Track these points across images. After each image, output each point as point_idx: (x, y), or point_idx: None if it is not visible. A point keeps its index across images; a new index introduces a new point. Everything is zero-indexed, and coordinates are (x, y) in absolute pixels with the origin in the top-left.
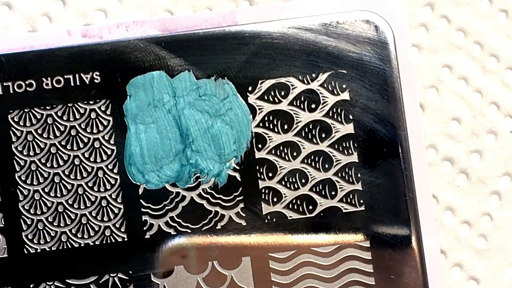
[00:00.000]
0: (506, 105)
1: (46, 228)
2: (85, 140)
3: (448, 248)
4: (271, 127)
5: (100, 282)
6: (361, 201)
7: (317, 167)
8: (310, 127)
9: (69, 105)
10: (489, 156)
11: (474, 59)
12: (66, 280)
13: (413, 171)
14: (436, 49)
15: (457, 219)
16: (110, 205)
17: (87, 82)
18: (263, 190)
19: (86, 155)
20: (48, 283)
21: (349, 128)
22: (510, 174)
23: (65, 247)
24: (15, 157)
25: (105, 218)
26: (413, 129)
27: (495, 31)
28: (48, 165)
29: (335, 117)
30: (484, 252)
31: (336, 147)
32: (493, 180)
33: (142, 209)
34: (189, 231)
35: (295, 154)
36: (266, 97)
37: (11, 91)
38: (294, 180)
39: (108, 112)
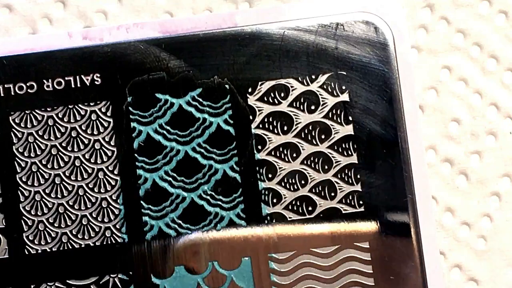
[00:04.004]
0: (506, 106)
1: (47, 229)
2: (86, 141)
3: (448, 249)
4: (271, 128)
5: (101, 282)
6: (361, 202)
7: (317, 168)
8: (310, 128)
9: (69, 106)
10: (488, 157)
11: (474, 60)
12: (67, 281)
13: (413, 172)
14: (435, 50)
15: (456, 220)
16: (110, 206)
17: (88, 84)
18: (263, 191)
19: (87, 156)
20: (48, 283)
21: (348, 130)
22: (509, 175)
23: (65, 247)
24: (16, 158)
25: (106, 219)
26: (413, 130)
27: (494, 32)
28: (49, 166)
29: (335, 118)
30: (483, 253)
31: (336, 148)
32: (492, 181)
33: (143, 210)
34: (189, 232)
35: (294, 155)
36: (265, 99)
37: (13, 93)
38: (293, 181)
39: (108, 114)
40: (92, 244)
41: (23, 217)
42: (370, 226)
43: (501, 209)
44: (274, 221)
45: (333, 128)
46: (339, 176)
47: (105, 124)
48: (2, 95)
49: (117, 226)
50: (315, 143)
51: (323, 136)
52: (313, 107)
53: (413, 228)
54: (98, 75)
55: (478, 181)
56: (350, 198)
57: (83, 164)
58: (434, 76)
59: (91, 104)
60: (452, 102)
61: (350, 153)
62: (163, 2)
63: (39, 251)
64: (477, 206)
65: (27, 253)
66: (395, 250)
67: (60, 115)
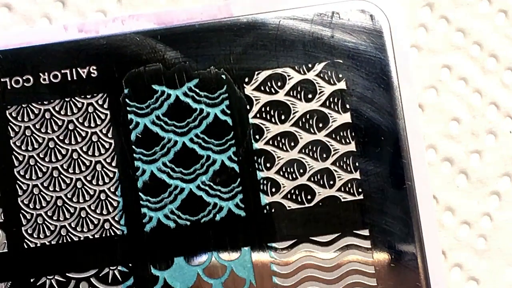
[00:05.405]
0: (506, 105)
1: (46, 222)
2: (83, 134)
3: (448, 248)
4: (268, 117)
5: (100, 275)
6: (359, 190)
7: (315, 157)
8: (307, 117)
9: (66, 99)
10: (488, 157)
11: (474, 59)
12: (66, 274)
13: (411, 159)
14: (435, 49)
15: (456, 219)
16: (108, 199)
17: (84, 77)
18: (261, 181)
19: (84, 149)
20: (48, 277)
21: (346, 118)
22: (509, 174)
23: (64, 241)
24: (14, 152)
25: (104, 212)
26: (411, 116)
27: (494, 31)
28: (47, 159)
29: (332, 106)
30: (484, 252)
31: (334, 136)
32: (492, 180)
33: (141, 202)
34: (188, 223)
35: (292, 144)
36: (262, 88)
37: (9, 87)
38: (292, 170)
39: (105, 106)
40: (91, 237)
41: (22, 211)
42: (369, 214)
43: (501, 209)
44: (273, 210)
45: (331, 116)
46: (337, 164)
47: (102, 117)
48: None
49: (116, 218)
50: (313, 131)
51: (320, 125)
52: (310, 96)
53: (413, 215)
54: (95, 68)
55: (478, 180)
56: (349, 186)
57: (80, 157)
58: (434, 75)
59: (88, 96)
60: (452, 101)
61: (348, 141)
62: (163, 2)
63: (38, 245)
64: (477, 206)
65: (26, 246)
66: (394, 237)
67: (57, 108)
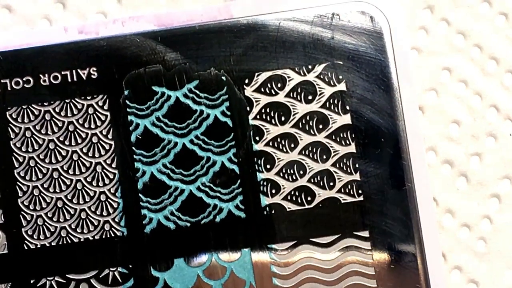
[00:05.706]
0: (506, 107)
1: (46, 223)
2: (83, 135)
3: (448, 251)
4: (268, 119)
5: (100, 276)
6: (359, 192)
7: (315, 158)
8: (307, 118)
9: (66, 101)
10: (488, 159)
11: (474, 61)
12: (67, 275)
13: (411, 160)
14: (435, 51)
15: (456, 222)
16: (109, 200)
17: (84, 78)
18: (261, 182)
19: (84, 150)
20: (48, 278)
21: (346, 119)
22: (509, 177)
23: (64, 242)
24: (14, 153)
25: (104, 213)
26: (411, 118)
27: (494, 33)
28: (47, 161)
29: (332, 108)
30: (483, 255)
31: (334, 138)
32: (492, 183)
33: (141, 203)
34: (188, 224)
35: (292, 145)
36: (262, 90)
37: (9, 88)
38: (292, 171)
39: (105, 107)
40: (91, 238)
41: (22, 212)
42: (369, 215)
43: (501, 211)
44: (273, 211)
45: (331, 118)
46: (337, 166)
47: (102, 118)
48: None
49: (116, 220)
50: (312, 133)
51: (320, 126)
52: (310, 97)
53: (413, 216)
54: (95, 69)
55: (478, 182)
56: (349, 187)
57: (80, 158)
58: (434, 78)
59: (88, 98)
60: (452, 104)
61: (348, 142)
62: (163, 3)
63: (38, 246)
64: (477, 208)
65: (26, 248)
66: (394, 238)
67: (57, 110)
